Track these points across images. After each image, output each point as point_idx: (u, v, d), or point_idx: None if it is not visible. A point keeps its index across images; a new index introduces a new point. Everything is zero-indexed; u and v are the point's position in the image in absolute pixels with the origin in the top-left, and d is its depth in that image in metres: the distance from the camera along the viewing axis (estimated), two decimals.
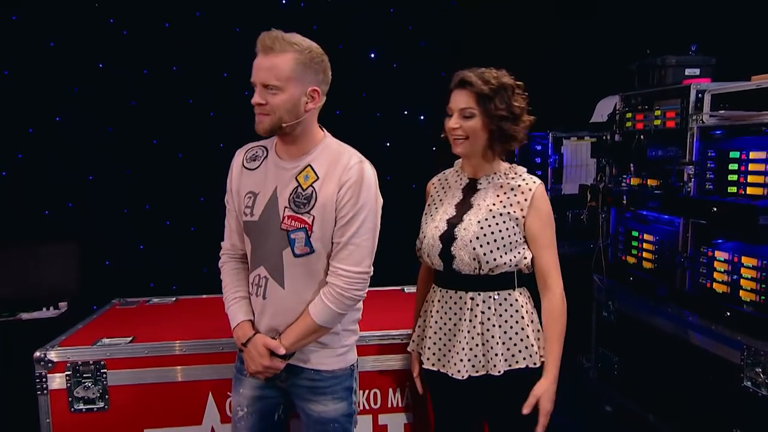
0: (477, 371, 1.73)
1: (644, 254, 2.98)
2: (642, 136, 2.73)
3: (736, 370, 2.33)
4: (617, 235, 3.18)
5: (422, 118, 4.87)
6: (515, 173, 1.82)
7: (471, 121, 1.72)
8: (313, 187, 1.62)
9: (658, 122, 2.79)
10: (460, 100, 1.73)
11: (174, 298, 2.74)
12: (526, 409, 1.71)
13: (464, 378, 1.73)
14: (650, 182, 2.86)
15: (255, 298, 1.73)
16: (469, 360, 1.73)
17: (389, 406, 2.19)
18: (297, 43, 1.57)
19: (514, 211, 1.75)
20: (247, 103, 1.60)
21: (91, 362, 1.99)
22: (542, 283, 1.79)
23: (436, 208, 1.89)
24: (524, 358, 1.74)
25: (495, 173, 1.82)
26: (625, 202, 2.90)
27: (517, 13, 4.53)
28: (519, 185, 1.78)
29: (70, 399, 1.98)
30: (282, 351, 1.63)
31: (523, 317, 1.76)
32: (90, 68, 4.02)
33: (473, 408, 1.87)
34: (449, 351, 1.78)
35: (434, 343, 1.83)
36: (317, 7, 4.43)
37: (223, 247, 1.86)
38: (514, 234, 1.74)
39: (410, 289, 2.79)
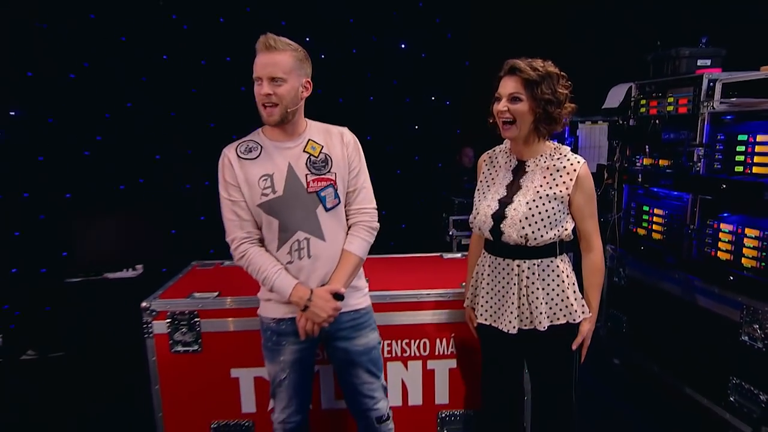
0: (525, 326, 1.83)
1: (654, 227, 3.06)
2: (657, 121, 2.80)
3: (735, 327, 2.45)
4: (629, 209, 3.27)
5: (447, 103, 4.94)
6: (560, 153, 1.82)
7: (518, 105, 1.72)
8: (324, 153, 1.83)
9: (671, 108, 2.85)
10: (509, 85, 1.74)
11: None
12: (574, 345, 1.84)
13: (515, 332, 1.83)
14: (662, 162, 2.94)
15: (299, 261, 1.79)
16: (517, 317, 1.82)
17: (436, 353, 2.31)
18: (290, 43, 1.74)
19: (560, 191, 1.77)
20: None
21: (186, 312, 2.16)
22: (585, 244, 1.87)
23: (488, 186, 1.93)
24: (564, 316, 1.82)
25: (541, 155, 1.82)
26: (640, 179, 2.99)
27: (530, 10, 4.54)
28: (564, 166, 1.79)
29: (170, 342, 2.16)
30: (343, 290, 1.80)
31: (563, 281, 1.82)
32: (156, 60, 4.15)
33: (517, 357, 1.98)
34: (500, 309, 1.88)
35: (486, 302, 1.92)
36: (354, 2, 4.48)
37: (236, 239, 1.79)
38: (559, 212, 1.78)
39: (448, 256, 2.89)
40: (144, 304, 2.16)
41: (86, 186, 4.05)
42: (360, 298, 1.93)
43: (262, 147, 1.80)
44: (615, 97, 3.66)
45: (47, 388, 3.34)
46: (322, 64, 4.53)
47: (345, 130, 1.90)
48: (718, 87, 2.60)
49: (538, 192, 1.78)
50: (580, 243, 1.89)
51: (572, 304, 1.82)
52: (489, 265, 1.91)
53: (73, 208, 4.13)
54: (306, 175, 1.79)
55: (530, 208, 1.77)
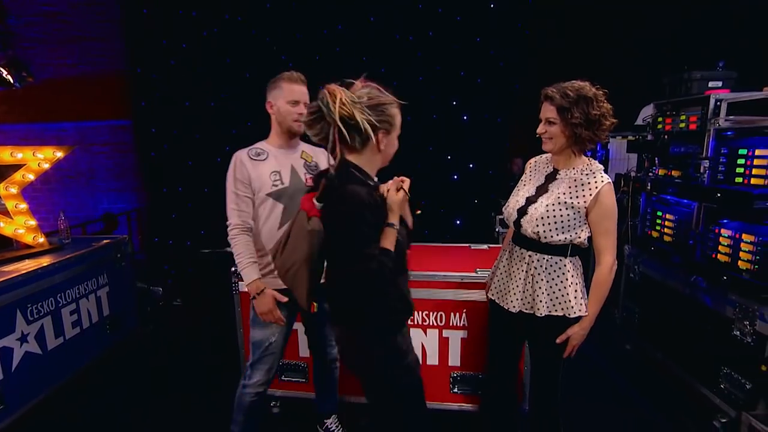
0: (525, 309, 1.79)
1: (665, 230, 2.86)
2: (666, 136, 2.62)
3: (728, 323, 2.27)
4: (645, 214, 3.07)
5: (499, 120, 4.87)
6: (590, 170, 1.72)
7: (553, 127, 1.69)
8: (314, 161, 2.00)
9: (683, 125, 2.65)
10: (545, 110, 1.70)
11: None
12: (558, 340, 1.73)
13: (515, 311, 1.81)
14: (674, 173, 2.73)
15: None
16: (518, 299, 1.80)
17: (451, 324, 2.36)
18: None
19: (578, 203, 1.69)
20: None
21: None
22: (597, 258, 1.74)
23: (524, 184, 1.90)
24: (562, 309, 1.73)
25: (574, 168, 1.75)
26: (649, 188, 2.81)
27: (571, 41, 4.35)
28: (589, 182, 1.70)
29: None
30: (285, 299, 1.90)
31: (567, 279, 1.73)
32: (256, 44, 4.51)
33: (518, 335, 1.93)
34: (507, 289, 1.87)
35: (499, 281, 1.92)
36: (422, 38, 4.57)
37: (232, 224, 1.87)
38: (573, 220, 1.70)
39: (476, 246, 2.88)
40: (232, 269, 2.40)
41: (218, 183, 4.55)
42: None
43: (268, 152, 1.93)
44: (644, 115, 3.44)
45: (185, 326, 3.88)
46: (396, 90, 4.69)
47: (323, 149, 1.92)
48: (724, 106, 2.38)
49: (559, 198, 1.72)
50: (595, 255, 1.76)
51: (570, 301, 1.72)
52: (509, 251, 1.90)
53: (208, 199, 4.68)
54: (305, 174, 1.96)
55: (548, 210, 1.72)
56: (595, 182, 1.69)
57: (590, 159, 1.79)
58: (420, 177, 4.82)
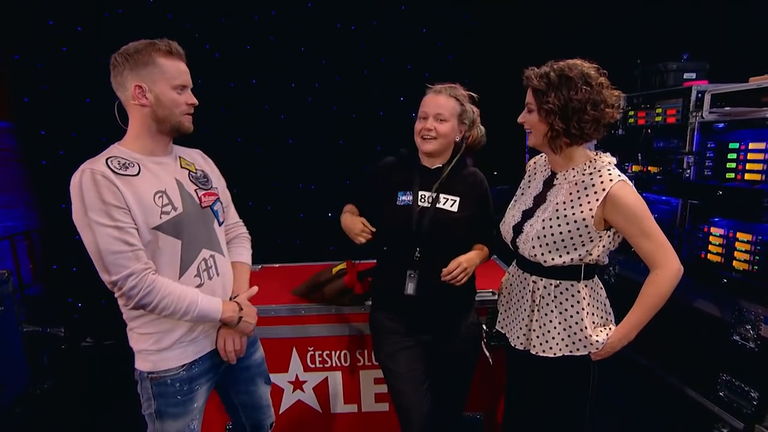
0: (531, 348, 1.46)
1: None
2: (649, 130, 2.46)
3: (725, 327, 2.13)
4: None
5: None
6: (594, 168, 1.38)
7: (531, 116, 1.40)
8: (199, 170, 1.48)
9: (659, 119, 2.51)
10: (527, 95, 1.42)
11: (260, 266, 2.64)
12: (595, 357, 1.41)
13: (520, 349, 1.50)
14: (651, 169, 2.59)
15: (209, 282, 1.40)
16: (524, 335, 1.48)
17: None
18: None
19: (581, 212, 1.36)
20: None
21: None
22: (650, 266, 1.38)
23: (522, 193, 1.59)
24: (578, 349, 1.39)
25: (573, 168, 1.42)
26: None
27: (524, 29, 4.21)
28: (593, 183, 1.36)
29: None
30: (255, 291, 1.53)
31: (583, 308, 1.40)
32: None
33: (528, 374, 1.55)
34: (512, 322, 1.56)
35: (505, 311, 1.62)
36: (365, 29, 4.19)
37: (135, 273, 1.23)
38: (578, 236, 1.36)
39: None
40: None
41: None
42: None
43: (138, 163, 1.31)
44: None
45: (100, 371, 3.15)
46: (337, 85, 4.26)
47: (199, 151, 1.57)
48: (707, 98, 2.24)
49: (557, 210, 1.40)
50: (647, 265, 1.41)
51: (590, 335, 1.39)
52: (512, 275, 1.58)
53: None
54: (195, 189, 1.41)
55: (544, 228, 1.39)
56: (601, 182, 1.35)
57: (596, 153, 1.45)
58: None
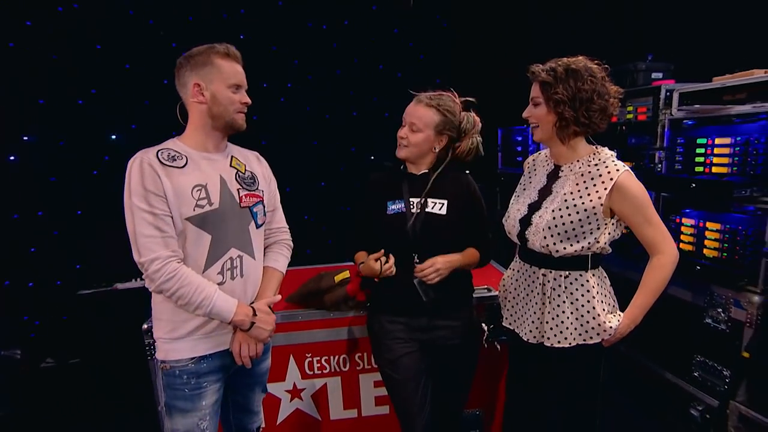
0: (547, 339, 1.49)
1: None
2: (624, 127, 2.58)
3: (698, 311, 2.27)
4: None
5: None
6: (599, 159, 1.45)
7: (538, 109, 1.44)
8: (249, 171, 1.51)
9: (630, 116, 2.65)
10: (533, 90, 1.46)
11: None
12: (606, 342, 1.46)
13: (533, 342, 1.52)
14: (626, 164, 2.71)
15: (231, 282, 1.41)
16: (537, 328, 1.50)
17: None
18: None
19: (590, 200, 1.41)
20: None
21: None
22: (651, 252, 1.46)
23: (524, 189, 1.62)
24: (591, 337, 1.44)
25: (578, 160, 1.47)
26: None
27: (494, 30, 4.31)
28: (600, 174, 1.42)
29: None
30: (278, 299, 1.52)
31: (594, 297, 1.44)
32: (157, 84, 3.71)
33: (540, 367, 1.60)
34: (521, 317, 1.58)
35: (512, 306, 1.63)
36: (337, 29, 4.16)
37: (160, 258, 1.29)
38: (587, 224, 1.41)
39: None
40: (145, 326, 1.79)
41: (96, 203, 3.60)
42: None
43: (187, 157, 1.39)
44: None
45: (64, 394, 2.93)
46: (308, 84, 4.20)
47: (256, 153, 1.61)
48: (675, 96, 2.39)
49: (565, 200, 1.44)
50: (648, 251, 1.48)
51: (603, 322, 1.44)
52: (518, 270, 1.60)
53: (84, 224, 3.68)
54: (238, 189, 1.45)
55: (554, 218, 1.43)
56: (608, 172, 1.42)
57: (597, 146, 1.52)
58: (343, 181, 4.46)
